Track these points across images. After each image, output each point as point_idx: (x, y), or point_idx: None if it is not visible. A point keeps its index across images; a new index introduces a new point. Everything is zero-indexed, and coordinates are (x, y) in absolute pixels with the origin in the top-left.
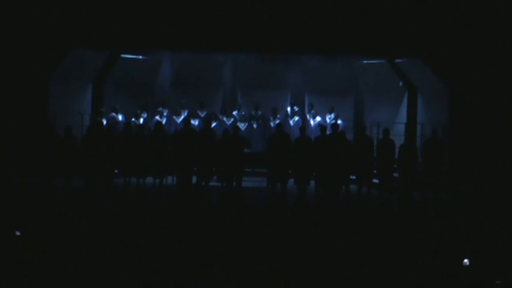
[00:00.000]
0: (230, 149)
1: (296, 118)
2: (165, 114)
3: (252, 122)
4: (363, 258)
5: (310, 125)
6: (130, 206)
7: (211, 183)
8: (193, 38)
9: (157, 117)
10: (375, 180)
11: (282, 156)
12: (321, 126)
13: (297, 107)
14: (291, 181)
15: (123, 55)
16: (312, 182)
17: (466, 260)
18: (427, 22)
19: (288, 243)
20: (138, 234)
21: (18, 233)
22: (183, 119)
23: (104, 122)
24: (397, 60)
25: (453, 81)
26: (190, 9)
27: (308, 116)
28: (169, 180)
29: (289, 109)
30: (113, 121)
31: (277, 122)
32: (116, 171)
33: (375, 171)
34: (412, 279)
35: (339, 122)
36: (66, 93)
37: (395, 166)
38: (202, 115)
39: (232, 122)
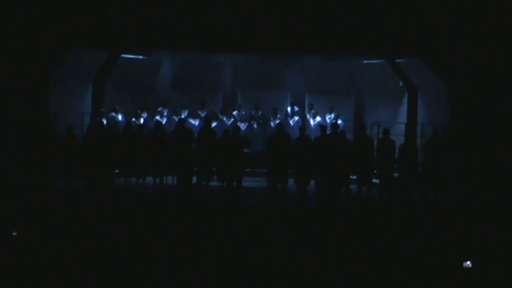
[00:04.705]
0: (230, 149)
1: (296, 118)
2: (165, 114)
3: (252, 122)
4: (363, 258)
5: (310, 125)
6: (130, 206)
7: (211, 183)
8: (193, 38)
9: (157, 117)
10: (375, 180)
11: (282, 156)
12: (321, 126)
13: (297, 107)
14: (291, 181)
15: (123, 55)
16: (312, 182)
17: (468, 263)
18: (427, 22)
19: (288, 243)
20: (138, 234)
21: (14, 233)
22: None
23: (104, 122)
24: (397, 60)
25: (453, 81)
26: (190, 9)
27: (308, 116)
28: (170, 180)
29: (289, 109)
30: (112, 121)
31: (277, 122)
32: (116, 171)
33: (375, 171)
34: (412, 280)
35: (339, 122)
36: (66, 93)
37: (395, 166)
38: (203, 115)
39: (233, 122)
